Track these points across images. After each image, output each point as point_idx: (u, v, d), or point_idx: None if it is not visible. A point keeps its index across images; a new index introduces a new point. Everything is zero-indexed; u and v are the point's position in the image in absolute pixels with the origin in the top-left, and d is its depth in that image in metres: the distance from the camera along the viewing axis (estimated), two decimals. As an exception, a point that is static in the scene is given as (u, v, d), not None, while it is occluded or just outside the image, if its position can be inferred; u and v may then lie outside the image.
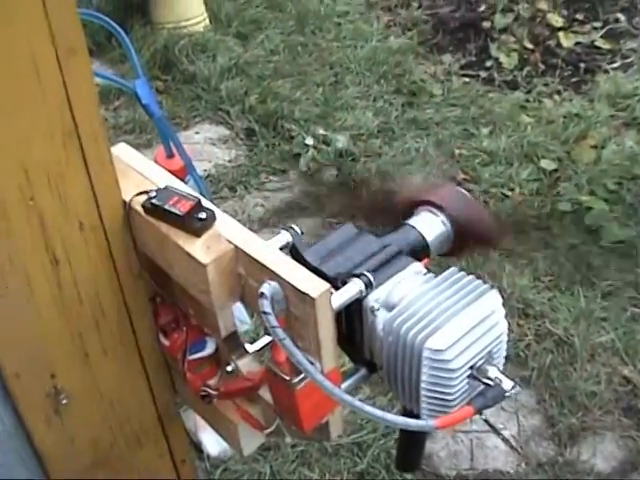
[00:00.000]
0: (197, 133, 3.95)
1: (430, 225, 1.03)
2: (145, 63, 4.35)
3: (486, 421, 2.59)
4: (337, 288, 0.89)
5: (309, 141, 3.70)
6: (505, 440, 2.54)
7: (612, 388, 2.64)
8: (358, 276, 0.89)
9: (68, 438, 1.06)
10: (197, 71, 4.25)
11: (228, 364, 0.96)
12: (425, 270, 0.93)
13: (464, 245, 1.05)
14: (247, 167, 3.65)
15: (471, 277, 0.90)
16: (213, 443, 2.45)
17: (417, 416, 0.90)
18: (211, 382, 0.98)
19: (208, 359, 0.98)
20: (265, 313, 0.74)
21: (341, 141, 3.68)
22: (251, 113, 3.95)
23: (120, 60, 4.46)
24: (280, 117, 3.88)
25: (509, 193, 3.42)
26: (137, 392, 1.09)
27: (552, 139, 3.66)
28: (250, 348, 0.92)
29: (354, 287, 0.87)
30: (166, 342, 1.02)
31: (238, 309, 0.87)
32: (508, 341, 2.62)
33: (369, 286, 0.88)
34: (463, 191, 1.06)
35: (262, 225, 3.24)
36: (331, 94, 4.04)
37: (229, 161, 3.73)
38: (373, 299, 0.89)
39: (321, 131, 3.76)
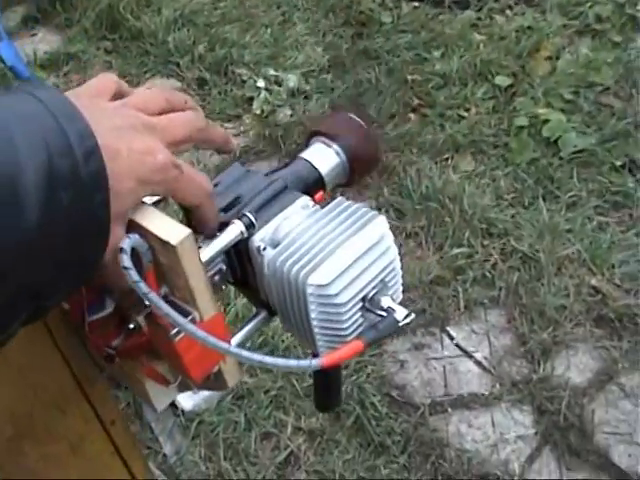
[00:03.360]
0: (149, 89, 3.89)
1: (323, 156, 0.99)
2: (91, 24, 4.29)
3: (457, 345, 2.58)
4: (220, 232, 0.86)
5: (260, 83, 3.65)
6: (478, 363, 2.54)
7: (581, 299, 2.64)
8: (239, 217, 0.86)
9: (-17, 413, 1.04)
10: (143, 26, 4.16)
11: (129, 321, 0.93)
12: (312, 204, 0.90)
13: (361, 173, 1.01)
14: (201, 117, 3.61)
15: (358, 205, 0.87)
16: (186, 398, 2.45)
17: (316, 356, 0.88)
18: (114, 342, 0.95)
19: (110, 318, 0.94)
20: (125, 268, 0.71)
21: (292, 80, 3.63)
22: (201, 62, 3.89)
23: (66, 25, 4.39)
24: (230, 63, 3.82)
25: (465, 114, 3.38)
26: (47, 359, 1.06)
27: (505, 55, 3.63)
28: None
29: (234, 230, 0.84)
30: (66, 306, 0.99)
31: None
32: (473, 262, 2.63)
33: (251, 226, 0.85)
34: (354, 116, 1.02)
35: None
36: (280, 34, 3.98)
37: (182, 112, 3.67)
38: (259, 238, 0.86)
39: (272, 72, 3.71)
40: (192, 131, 0.80)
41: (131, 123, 0.73)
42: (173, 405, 2.46)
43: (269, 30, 4.02)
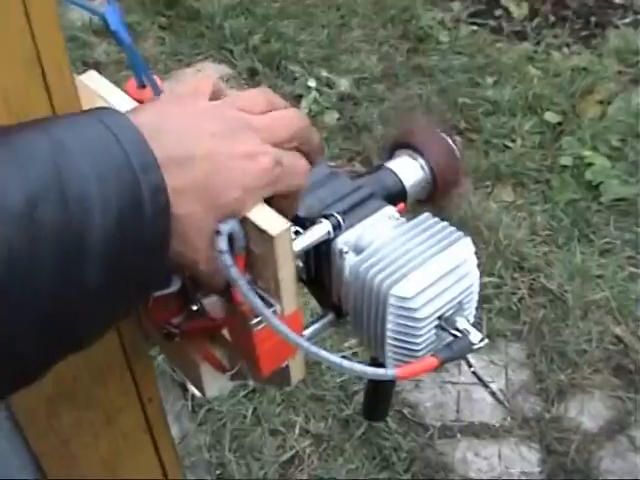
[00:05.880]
0: (199, 71, 3.89)
1: (408, 169, 0.99)
2: (149, -2, 4.31)
3: (474, 373, 2.57)
4: (307, 229, 0.86)
5: (312, 83, 3.65)
6: (492, 393, 2.53)
7: (603, 347, 2.63)
8: (327, 217, 0.86)
9: (30, 370, 1.03)
10: (201, 8, 4.17)
11: (193, 303, 0.93)
12: (398, 215, 0.90)
13: (442, 191, 1.01)
14: (248, 107, 3.61)
15: (445, 223, 0.87)
16: (198, 383, 2.44)
17: (383, 365, 0.88)
18: (175, 320, 0.95)
19: (174, 297, 0.94)
20: (220, 252, 0.70)
21: (344, 84, 3.63)
22: (254, 53, 3.90)
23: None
24: (284, 58, 3.83)
25: (511, 144, 3.38)
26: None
27: (558, 92, 3.62)
28: (217, 287, 0.88)
29: (322, 228, 0.84)
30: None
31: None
32: (501, 293, 2.62)
33: (338, 228, 0.85)
34: (444, 136, 1.02)
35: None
36: (336, 36, 3.98)
37: (231, 100, 3.68)
38: (342, 242, 0.86)
39: (324, 73, 3.71)
40: (296, 130, 0.77)
41: (232, 124, 0.71)
42: (184, 389, 2.46)
43: (326, 31, 4.03)
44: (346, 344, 2.53)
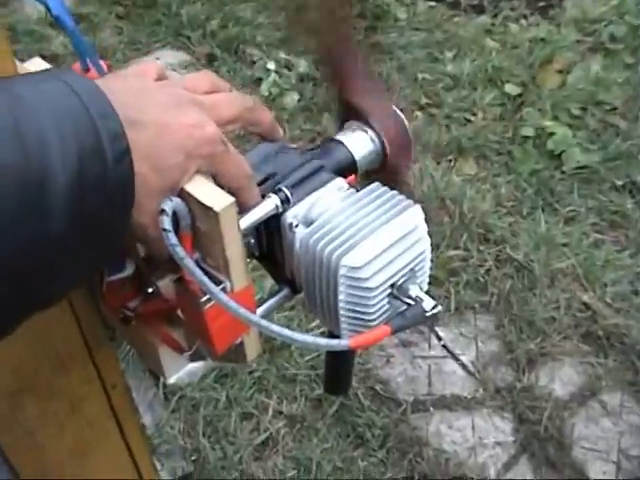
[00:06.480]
0: (158, 59, 3.86)
1: (358, 141, 0.99)
2: (107, -13, 4.28)
3: (444, 347, 2.58)
4: (255, 205, 0.86)
5: (271, 66, 3.63)
6: (463, 365, 2.54)
7: (571, 314, 2.64)
8: (275, 192, 0.85)
9: (-11, 364, 1.03)
10: (158, -4, 4.16)
11: (149, 285, 0.92)
12: (347, 186, 0.89)
13: (393, 163, 1.01)
14: (208, 93, 3.59)
15: (394, 192, 0.87)
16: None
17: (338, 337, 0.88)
18: (131, 304, 0.94)
19: (129, 281, 0.94)
20: (165, 230, 0.70)
21: (302, 65, 3.62)
22: (212, 38, 3.88)
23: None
24: (242, 42, 3.81)
25: (472, 118, 3.38)
26: (60, 316, 1.05)
27: (517, 64, 3.63)
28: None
29: (269, 203, 0.84)
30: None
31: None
32: (468, 266, 2.63)
33: (286, 202, 0.85)
34: (393, 105, 1.02)
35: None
36: (293, 17, 3.97)
37: (189, 87, 3.66)
38: (292, 215, 0.86)
39: (283, 55, 3.69)
40: (240, 110, 0.79)
41: (178, 99, 0.72)
42: (155, 376, 2.45)
43: (283, 13, 4.01)
44: (314, 323, 2.53)
